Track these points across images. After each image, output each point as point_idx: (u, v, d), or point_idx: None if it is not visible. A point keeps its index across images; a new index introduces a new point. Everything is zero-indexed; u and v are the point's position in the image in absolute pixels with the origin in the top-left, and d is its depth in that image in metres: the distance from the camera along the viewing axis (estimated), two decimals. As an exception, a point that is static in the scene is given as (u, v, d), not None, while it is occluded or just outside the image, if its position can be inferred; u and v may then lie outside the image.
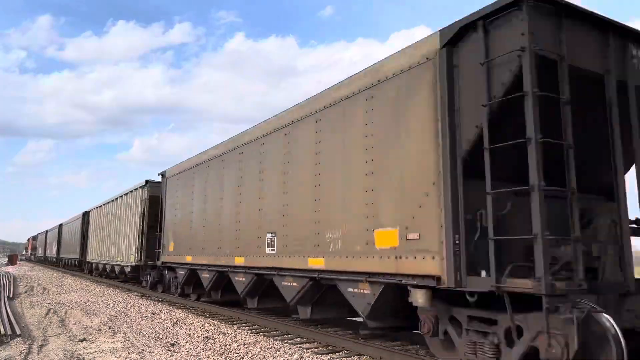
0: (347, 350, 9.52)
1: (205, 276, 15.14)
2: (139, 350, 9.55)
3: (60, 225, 51.41)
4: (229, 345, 9.90)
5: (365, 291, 8.46)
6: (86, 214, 37.96)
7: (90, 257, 34.80)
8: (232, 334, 11.09)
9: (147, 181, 22.96)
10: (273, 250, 10.99)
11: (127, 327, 12.40)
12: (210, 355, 9.01)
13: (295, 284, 10.36)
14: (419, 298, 7.22)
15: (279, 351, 9.24)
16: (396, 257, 7.60)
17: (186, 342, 10.24)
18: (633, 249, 6.86)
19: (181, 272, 17.39)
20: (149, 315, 14.54)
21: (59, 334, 11.50)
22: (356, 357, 9.03)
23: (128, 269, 24.34)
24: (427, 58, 7.29)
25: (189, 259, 16.29)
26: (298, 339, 10.71)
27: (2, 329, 11.43)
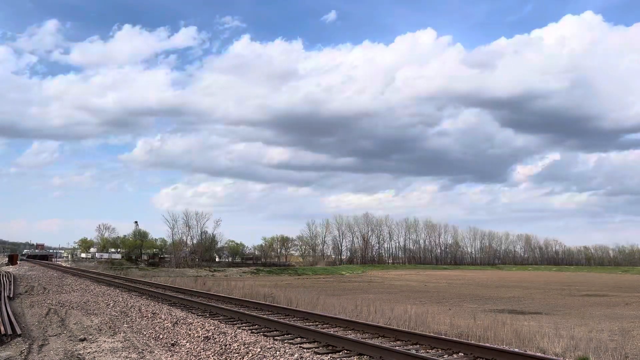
0: (347, 350, 9.52)
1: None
2: (139, 350, 9.55)
3: None
4: (229, 345, 9.88)
5: None
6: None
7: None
8: (232, 334, 11.08)
9: None
10: None
11: (128, 327, 12.39)
12: (211, 355, 9.01)
13: None
14: None
15: (279, 351, 9.24)
16: None
17: (186, 342, 10.24)
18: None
19: None
20: (149, 315, 14.53)
21: (59, 333, 11.50)
22: (356, 357, 9.03)
23: None
24: None
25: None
26: (298, 339, 10.71)
27: (3, 329, 11.43)
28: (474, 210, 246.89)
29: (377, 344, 9.58)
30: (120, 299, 19.09)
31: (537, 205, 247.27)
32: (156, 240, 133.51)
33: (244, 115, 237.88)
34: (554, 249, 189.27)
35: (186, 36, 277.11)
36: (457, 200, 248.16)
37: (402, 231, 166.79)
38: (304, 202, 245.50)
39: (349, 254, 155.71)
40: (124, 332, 11.62)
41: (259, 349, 9.40)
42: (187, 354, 9.13)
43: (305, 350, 9.46)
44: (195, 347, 9.75)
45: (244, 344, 9.90)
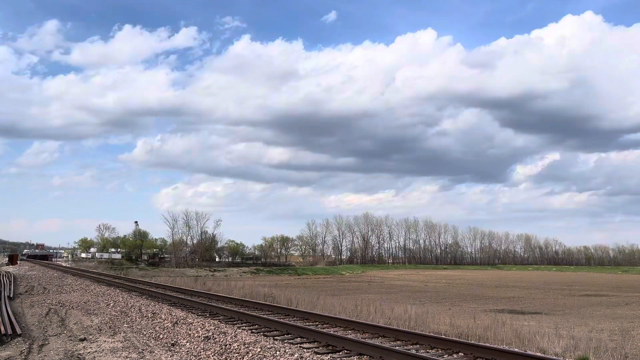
0: (347, 350, 9.52)
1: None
2: (139, 350, 9.56)
3: None
4: (229, 345, 9.89)
5: None
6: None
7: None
8: (233, 334, 11.09)
9: None
10: None
11: (128, 327, 12.40)
12: (211, 355, 9.01)
13: None
14: None
15: (279, 351, 9.24)
16: None
17: (186, 342, 10.24)
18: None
19: None
20: (149, 315, 14.54)
21: (59, 333, 11.51)
22: (356, 357, 9.04)
23: None
24: None
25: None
26: (298, 339, 10.71)
27: (3, 329, 11.43)
28: (474, 210, 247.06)
29: (377, 343, 9.58)
30: (120, 299, 19.10)
31: (537, 205, 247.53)
32: (156, 240, 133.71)
33: (244, 115, 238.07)
34: (554, 249, 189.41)
35: (186, 36, 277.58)
36: (457, 200, 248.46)
37: (402, 231, 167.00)
38: (304, 202, 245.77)
39: (349, 254, 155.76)
40: (124, 332, 11.63)
41: (259, 349, 9.40)
42: (187, 354, 9.13)
43: (305, 350, 9.46)
44: (195, 347, 9.75)
45: (244, 344, 9.90)
